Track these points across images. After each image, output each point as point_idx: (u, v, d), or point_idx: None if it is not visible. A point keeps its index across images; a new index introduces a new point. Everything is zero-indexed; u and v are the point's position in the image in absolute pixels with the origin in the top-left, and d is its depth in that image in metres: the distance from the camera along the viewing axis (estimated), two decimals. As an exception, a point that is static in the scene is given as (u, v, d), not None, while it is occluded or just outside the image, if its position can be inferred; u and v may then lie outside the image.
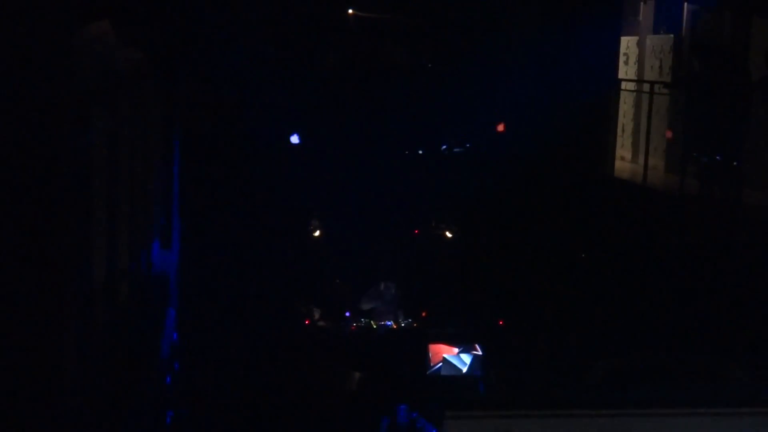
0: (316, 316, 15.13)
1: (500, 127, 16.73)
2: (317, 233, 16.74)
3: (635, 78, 16.74)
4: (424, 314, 15.80)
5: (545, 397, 3.63)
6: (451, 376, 13.91)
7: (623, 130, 16.42)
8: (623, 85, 16.36)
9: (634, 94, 16.31)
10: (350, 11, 16.81)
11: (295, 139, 16.56)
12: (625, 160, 16.16)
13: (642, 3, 16.90)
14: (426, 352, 13.89)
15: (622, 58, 16.86)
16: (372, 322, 15.34)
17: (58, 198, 4.35)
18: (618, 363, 4.37)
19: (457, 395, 3.59)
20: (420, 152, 16.97)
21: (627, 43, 17.10)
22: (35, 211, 4.30)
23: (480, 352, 14.10)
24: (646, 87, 15.10)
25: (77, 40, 6.12)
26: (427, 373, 13.91)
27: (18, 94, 4.26)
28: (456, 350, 14.21)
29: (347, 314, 15.56)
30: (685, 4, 15.45)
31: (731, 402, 3.63)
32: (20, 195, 4.27)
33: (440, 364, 14.09)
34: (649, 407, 3.60)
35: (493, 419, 3.51)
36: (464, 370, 14.00)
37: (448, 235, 17.12)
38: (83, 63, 6.20)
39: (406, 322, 15.53)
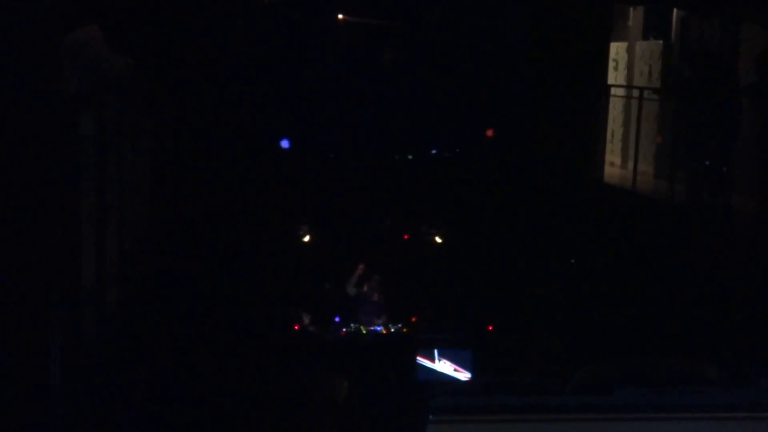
0: (306, 321, 15.10)
1: (489, 133, 16.77)
2: (307, 238, 16.74)
3: (625, 83, 16.76)
4: (413, 319, 15.79)
5: (530, 402, 3.65)
6: (438, 382, 13.86)
7: (613, 136, 16.44)
8: (613, 90, 16.38)
9: (624, 99, 16.33)
10: (341, 16, 16.82)
11: (285, 143, 16.57)
12: (614, 165, 16.17)
13: (631, 9, 16.92)
14: (414, 357, 13.86)
15: (611, 64, 16.89)
16: (362, 327, 15.32)
17: (46, 201, 4.35)
18: (601, 368, 4.38)
19: (443, 401, 3.60)
20: (409, 157, 17.00)
21: (616, 49, 17.12)
22: (24, 213, 4.30)
23: (468, 358, 14.07)
24: (635, 93, 15.12)
25: (66, 45, 6.12)
26: (415, 378, 13.86)
27: (7, 97, 4.26)
28: (444, 355, 14.17)
29: (337, 319, 15.55)
30: (675, 10, 15.48)
31: (712, 407, 3.65)
32: (9, 197, 4.27)
33: (427, 369, 14.03)
34: (630, 412, 3.61)
35: (478, 425, 3.52)
36: (451, 375, 13.96)
37: (438, 240, 17.12)
38: (72, 67, 6.20)
39: (395, 327, 15.52)
